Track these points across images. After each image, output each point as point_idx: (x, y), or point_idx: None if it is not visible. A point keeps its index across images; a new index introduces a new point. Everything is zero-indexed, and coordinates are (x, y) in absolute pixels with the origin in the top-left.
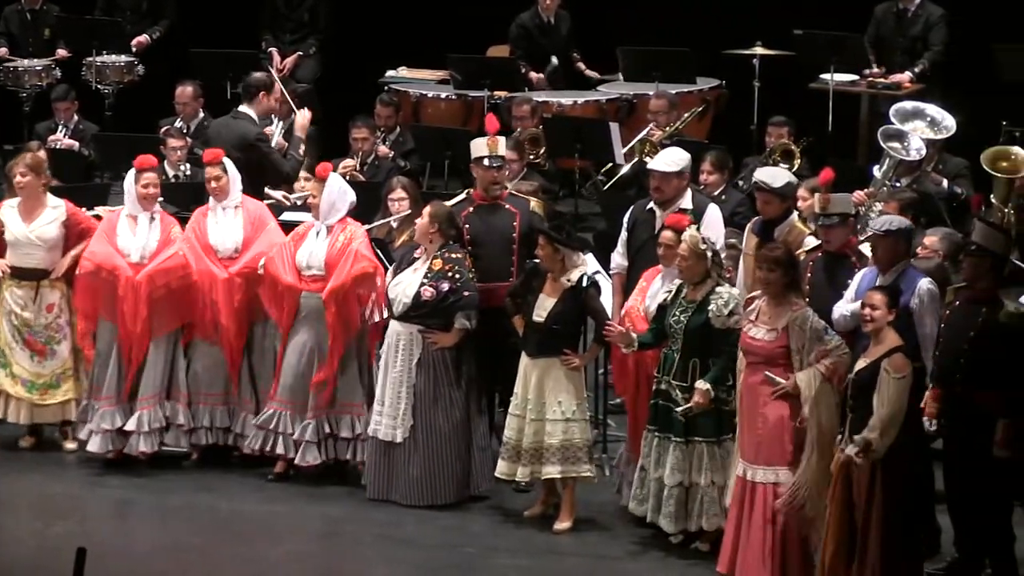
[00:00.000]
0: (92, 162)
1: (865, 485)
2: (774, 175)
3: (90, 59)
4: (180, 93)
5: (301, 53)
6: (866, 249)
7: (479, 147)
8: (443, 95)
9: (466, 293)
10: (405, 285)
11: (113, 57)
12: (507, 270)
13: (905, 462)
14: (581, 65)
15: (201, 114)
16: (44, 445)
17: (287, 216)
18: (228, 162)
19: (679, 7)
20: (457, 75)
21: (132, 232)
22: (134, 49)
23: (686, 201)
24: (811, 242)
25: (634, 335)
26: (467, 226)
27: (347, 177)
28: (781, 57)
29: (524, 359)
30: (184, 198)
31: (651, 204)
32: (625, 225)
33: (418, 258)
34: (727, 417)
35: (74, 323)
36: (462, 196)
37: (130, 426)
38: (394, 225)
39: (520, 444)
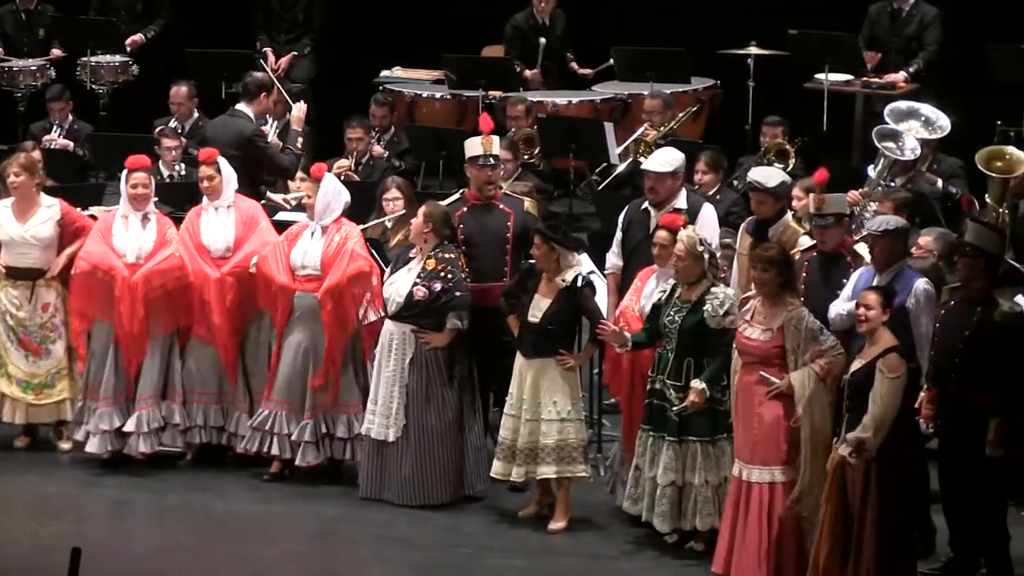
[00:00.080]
0: (87, 162)
1: (860, 485)
2: (768, 175)
3: (85, 59)
4: (175, 93)
5: (296, 53)
6: (861, 249)
7: (473, 147)
8: (438, 95)
9: (458, 293)
10: (399, 285)
11: (108, 57)
12: (501, 270)
13: (900, 462)
14: (574, 65)
15: (196, 114)
16: (39, 445)
17: (281, 216)
18: (223, 162)
19: (673, 7)
20: (452, 75)
21: (128, 232)
22: (129, 49)
23: (681, 201)
24: (805, 242)
25: (628, 335)
26: (461, 226)
27: (342, 177)
28: (776, 57)
29: (520, 359)
30: (179, 198)
31: (646, 204)
32: (620, 225)
33: (413, 258)
34: (722, 417)
35: (69, 322)
36: (456, 196)
37: (129, 427)
38: (389, 225)
39: (515, 444)
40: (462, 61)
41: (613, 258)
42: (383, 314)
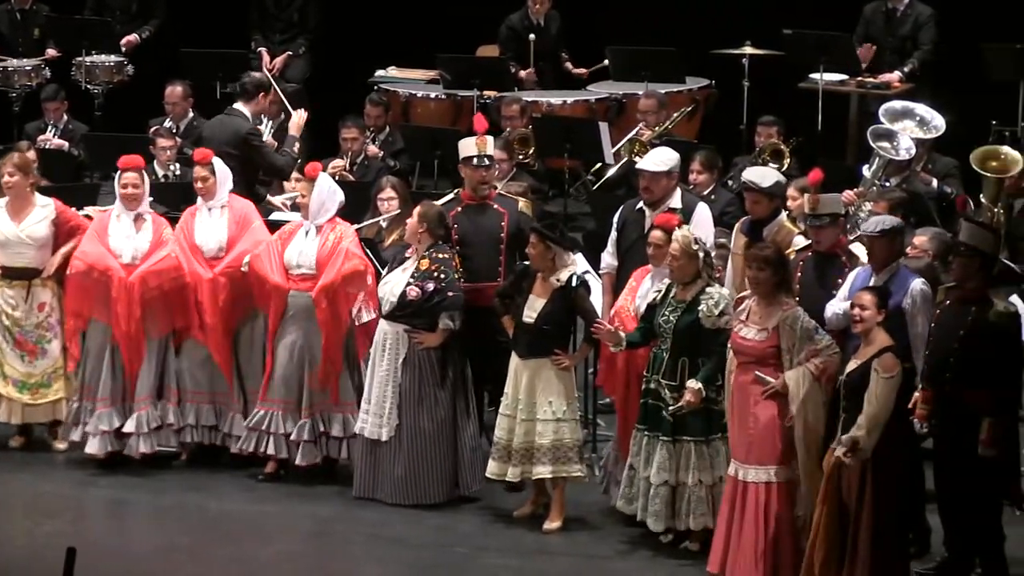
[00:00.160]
0: (82, 162)
1: (855, 485)
2: (763, 175)
3: (80, 59)
4: (170, 93)
5: (290, 53)
6: (856, 249)
7: (468, 147)
8: (432, 95)
9: (451, 293)
10: (393, 284)
11: (103, 57)
12: (495, 270)
13: (896, 462)
14: (569, 65)
15: (191, 114)
16: (34, 445)
17: (276, 216)
18: (218, 162)
19: (668, 7)
20: (447, 75)
21: (123, 232)
22: (124, 49)
23: (675, 201)
24: (800, 241)
25: (622, 334)
26: (455, 226)
27: (336, 177)
28: (770, 57)
29: (515, 359)
30: (174, 198)
31: (640, 204)
32: (614, 225)
33: (408, 257)
34: (716, 416)
35: (64, 322)
36: (451, 196)
37: (128, 427)
38: (383, 225)
39: (511, 444)
40: (457, 61)
41: (608, 258)
42: (377, 314)
